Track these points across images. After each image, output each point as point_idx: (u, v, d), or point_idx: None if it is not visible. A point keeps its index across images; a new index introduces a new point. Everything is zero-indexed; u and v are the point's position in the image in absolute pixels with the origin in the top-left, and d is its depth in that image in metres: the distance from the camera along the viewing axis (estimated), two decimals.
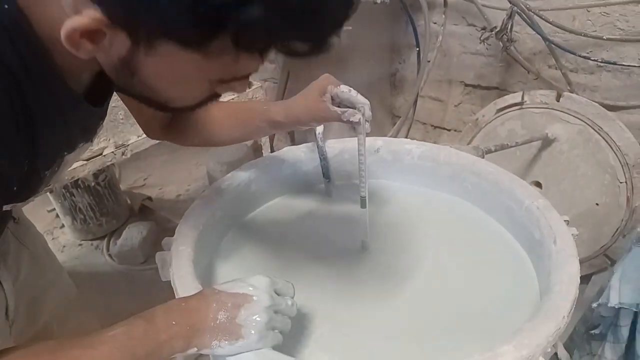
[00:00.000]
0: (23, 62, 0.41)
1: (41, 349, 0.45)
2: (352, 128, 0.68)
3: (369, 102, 0.67)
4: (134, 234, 1.72)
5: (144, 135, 0.94)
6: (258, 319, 0.50)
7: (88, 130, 0.56)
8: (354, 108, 0.67)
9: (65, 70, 0.45)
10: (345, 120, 0.67)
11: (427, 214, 0.82)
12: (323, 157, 0.86)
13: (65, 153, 0.53)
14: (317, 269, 0.72)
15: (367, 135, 0.70)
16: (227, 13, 0.37)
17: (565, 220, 0.67)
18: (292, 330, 0.55)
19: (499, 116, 1.51)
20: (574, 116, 1.36)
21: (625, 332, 0.64)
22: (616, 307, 0.55)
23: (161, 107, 0.51)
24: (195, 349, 0.49)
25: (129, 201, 1.99)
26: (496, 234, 0.77)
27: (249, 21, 0.37)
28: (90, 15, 0.37)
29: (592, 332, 0.71)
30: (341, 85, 0.67)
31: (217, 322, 0.49)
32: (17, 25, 0.40)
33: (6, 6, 0.40)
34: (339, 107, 0.67)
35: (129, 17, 0.38)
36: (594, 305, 0.55)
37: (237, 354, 0.50)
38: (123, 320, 0.48)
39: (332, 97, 0.67)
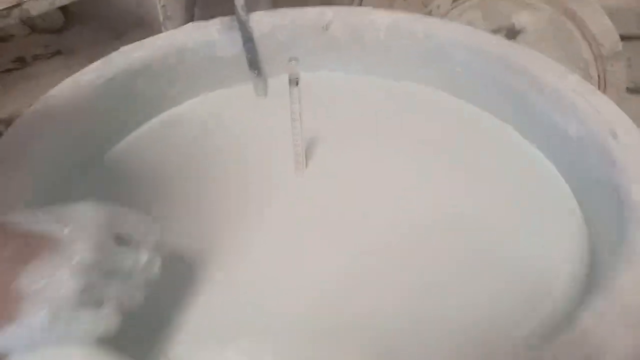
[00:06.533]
0: None
1: None
2: None
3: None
4: None
5: None
6: (59, 286, 0.26)
7: None
8: None
9: None
10: None
11: (400, 117, 0.58)
12: (248, 38, 0.57)
13: None
14: (238, 202, 0.47)
15: None
16: None
17: None
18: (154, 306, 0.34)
19: (456, 7, 1.28)
20: (543, 2, 1.17)
21: None
22: None
23: None
24: None
25: None
26: (501, 135, 0.55)
27: None
28: None
29: None
30: None
31: None
32: None
33: None
34: None
35: None
36: None
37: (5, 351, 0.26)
38: None
39: None
